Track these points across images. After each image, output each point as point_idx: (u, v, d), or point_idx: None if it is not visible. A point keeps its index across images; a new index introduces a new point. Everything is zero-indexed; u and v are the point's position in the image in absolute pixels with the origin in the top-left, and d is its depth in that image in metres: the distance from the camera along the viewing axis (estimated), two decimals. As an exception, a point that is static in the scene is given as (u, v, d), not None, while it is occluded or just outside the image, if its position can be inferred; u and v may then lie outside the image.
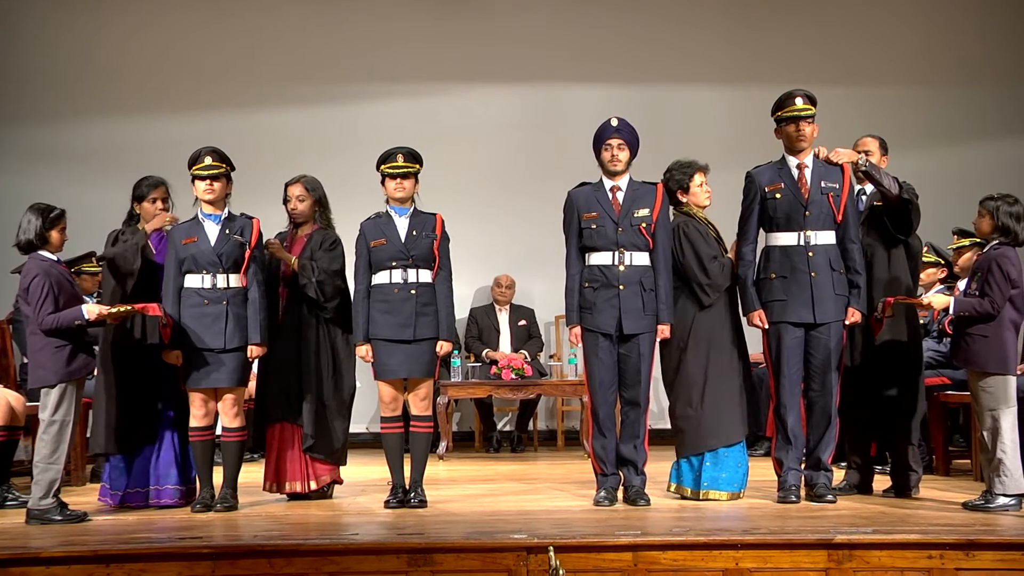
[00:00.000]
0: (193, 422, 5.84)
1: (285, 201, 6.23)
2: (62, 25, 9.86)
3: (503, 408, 9.81)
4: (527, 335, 9.65)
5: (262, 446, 6.31)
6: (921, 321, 6.32)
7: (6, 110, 9.73)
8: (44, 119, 9.73)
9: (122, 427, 5.93)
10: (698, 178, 6.01)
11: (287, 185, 6.24)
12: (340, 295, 6.14)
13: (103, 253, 5.99)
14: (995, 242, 5.55)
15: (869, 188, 6.06)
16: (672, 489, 6.04)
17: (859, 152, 6.10)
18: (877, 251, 6.01)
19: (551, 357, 9.65)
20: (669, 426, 6.12)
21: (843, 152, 5.90)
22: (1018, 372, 5.67)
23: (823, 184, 5.78)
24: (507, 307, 9.73)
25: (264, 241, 6.03)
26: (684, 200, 5.99)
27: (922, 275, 6.72)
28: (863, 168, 5.85)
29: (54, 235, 5.54)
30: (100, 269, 6.32)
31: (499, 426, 9.73)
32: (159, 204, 6.04)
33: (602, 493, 5.80)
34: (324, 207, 6.23)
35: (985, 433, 5.44)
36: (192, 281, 5.82)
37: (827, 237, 5.78)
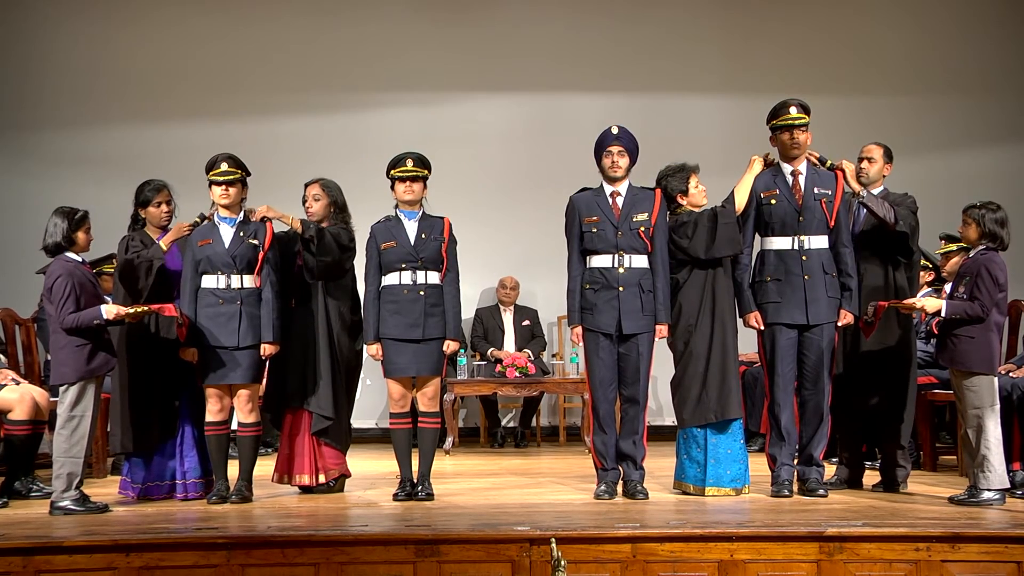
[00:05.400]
0: (209, 417, 5.98)
1: (303, 200, 6.31)
2: (81, 34, 9.96)
3: (507, 405, 9.89)
4: (530, 335, 9.70)
5: (279, 426, 6.38)
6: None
7: (28, 116, 9.83)
8: (65, 125, 9.83)
9: (139, 426, 6.06)
10: (693, 180, 6.08)
11: (306, 185, 6.33)
12: (334, 255, 6.07)
13: (117, 261, 6.10)
14: (982, 247, 5.65)
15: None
16: (677, 487, 6.09)
17: (864, 159, 6.23)
18: (874, 261, 6.10)
19: (553, 356, 9.69)
20: (667, 423, 6.19)
21: (847, 165, 6.00)
22: (1000, 372, 5.82)
23: (816, 190, 5.91)
24: (511, 308, 9.78)
25: (260, 211, 6.06)
26: (683, 203, 6.06)
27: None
28: (860, 200, 5.95)
29: (80, 236, 5.65)
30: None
31: (503, 422, 9.80)
32: (164, 208, 6.17)
33: (602, 487, 5.90)
34: (341, 210, 6.28)
35: (970, 431, 5.55)
36: (208, 281, 5.95)
37: (820, 241, 5.91)
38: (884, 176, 6.25)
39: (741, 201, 5.99)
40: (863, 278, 6.05)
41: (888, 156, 6.29)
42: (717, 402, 5.91)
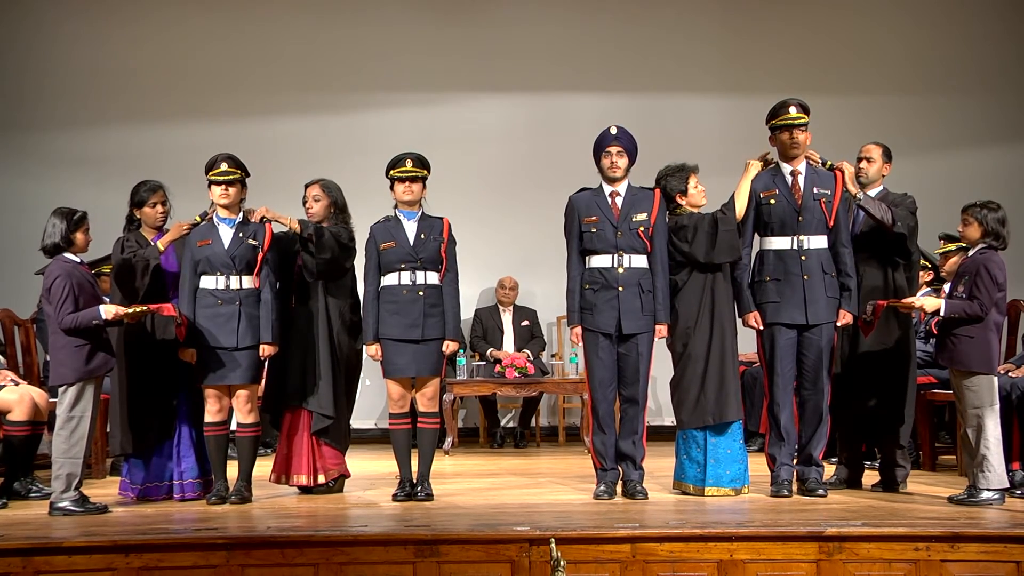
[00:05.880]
0: (208, 417, 5.98)
1: (304, 201, 6.32)
2: (80, 34, 9.96)
3: (507, 405, 9.90)
4: (530, 335, 9.72)
5: (278, 426, 6.39)
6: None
7: (27, 117, 9.84)
8: (63, 126, 9.85)
9: (138, 427, 6.06)
10: (693, 180, 6.08)
11: (306, 186, 6.33)
12: (333, 253, 6.07)
13: (112, 261, 6.10)
14: (981, 246, 5.66)
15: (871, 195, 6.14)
16: (676, 487, 6.09)
17: (863, 158, 6.24)
18: (873, 262, 6.10)
19: (553, 356, 9.71)
20: (666, 423, 6.19)
21: (847, 170, 6.00)
22: (999, 372, 5.81)
23: (815, 190, 5.91)
24: (510, 308, 9.80)
25: (258, 212, 6.06)
26: (682, 203, 6.06)
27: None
28: (858, 203, 5.95)
29: (79, 237, 5.64)
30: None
31: (503, 422, 9.81)
32: (159, 208, 6.15)
33: (602, 487, 5.91)
34: (341, 211, 6.28)
35: (969, 431, 5.55)
36: (207, 282, 5.95)
37: (819, 241, 5.91)
38: (883, 176, 6.25)
39: (741, 207, 5.98)
40: (862, 279, 6.05)
41: (887, 156, 6.29)
42: (715, 405, 5.92)
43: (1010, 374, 6.31)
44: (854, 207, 6.11)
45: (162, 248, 6.03)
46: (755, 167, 6.06)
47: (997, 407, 5.56)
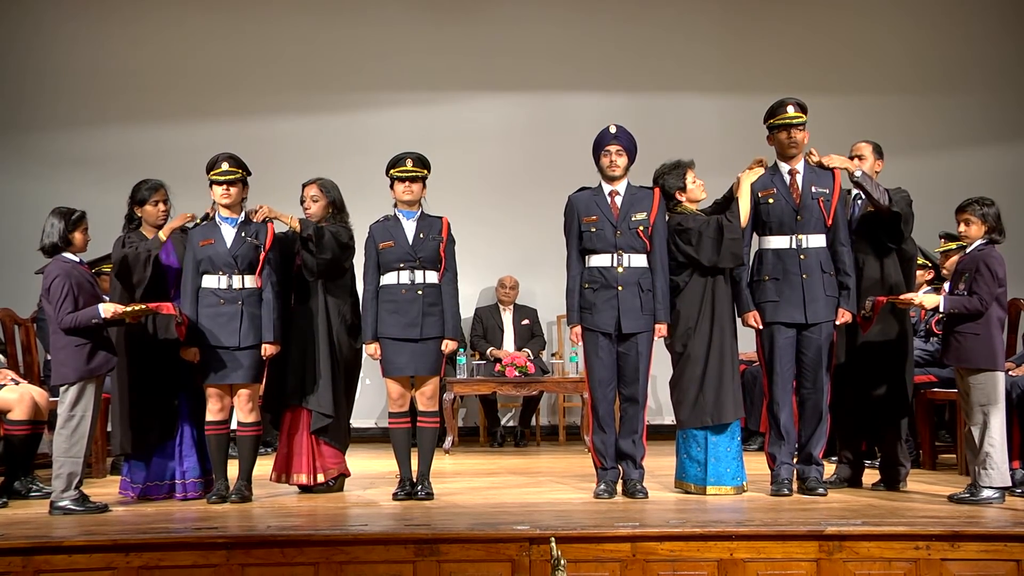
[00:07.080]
0: (209, 416, 5.99)
1: (302, 201, 6.32)
2: (80, 34, 9.97)
3: (507, 404, 9.91)
4: (530, 334, 9.73)
5: (278, 426, 6.39)
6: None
7: (27, 117, 9.85)
8: (63, 126, 9.86)
9: (138, 427, 6.06)
10: (690, 175, 6.07)
11: (304, 186, 6.33)
12: (333, 253, 6.08)
13: (112, 258, 6.10)
14: (979, 242, 5.67)
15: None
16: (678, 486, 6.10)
17: (854, 157, 6.22)
18: (870, 255, 6.10)
19: (553, 355, 9.72)
20: (667, 422, 6.19)
21: (836, 158, 6.03)
22: (1004, 369, 5.81)
23: (814, 189, 5.91)
24: (511, 307, 9.81)
25: (260, 212, 6.07)
26: (682, 199, 6.06)
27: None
28: (855, 179, 5.97)
29: (77, 236, 5.64)
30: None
31: (503, 421, 9.81)
32: (160, 207, 6.15)
33: (602, 486, 5.91)
34: (339, 210, 6.29)
35: (974, 428, 5.53)
36: (209, 282, 5.95)
37: (818, 240, 5.91)
38: (877, 173, 6.25)
39: (744, 212, 5.98)
40: (863, 270, 6.05)
41: (878, 153, 6.29)
42: (713, 405, 5.92)
43: (1011, 373, 6.30)
44: (852, 198, 6.11)
45: (163, 237, 6.02)
46: (748, 177, 6.03)
47: (1003, 404, 5.55)
